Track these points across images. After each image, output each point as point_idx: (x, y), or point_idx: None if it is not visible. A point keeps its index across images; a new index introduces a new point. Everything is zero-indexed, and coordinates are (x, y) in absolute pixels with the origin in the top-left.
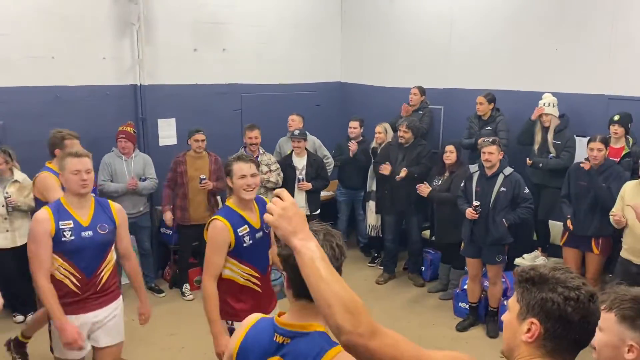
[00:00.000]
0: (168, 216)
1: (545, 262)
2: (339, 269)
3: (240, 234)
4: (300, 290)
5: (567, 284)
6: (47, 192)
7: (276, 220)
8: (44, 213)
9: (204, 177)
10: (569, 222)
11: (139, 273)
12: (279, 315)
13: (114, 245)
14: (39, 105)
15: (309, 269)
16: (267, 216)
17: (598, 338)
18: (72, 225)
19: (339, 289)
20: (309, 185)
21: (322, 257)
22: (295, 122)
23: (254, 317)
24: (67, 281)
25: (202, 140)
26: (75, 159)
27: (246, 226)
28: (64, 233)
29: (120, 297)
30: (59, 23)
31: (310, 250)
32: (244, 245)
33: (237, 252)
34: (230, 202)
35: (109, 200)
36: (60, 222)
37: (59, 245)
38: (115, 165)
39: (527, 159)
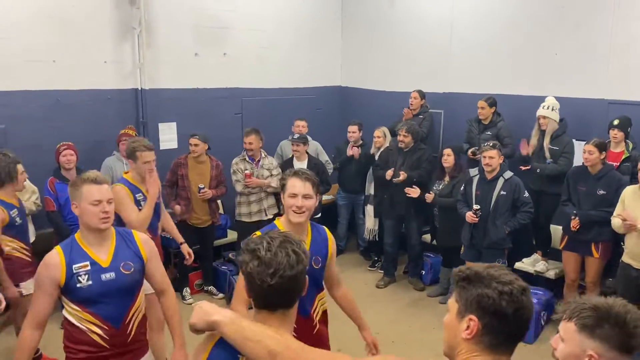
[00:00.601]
0: (177, 209)
1: (546, 265)
2: (296, 277)
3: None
4: (257, 302)
5: (501, 279)
6: (120, 207)
7: (194, 319)
8: (54, 257)
9: (202, 186)
10: (573, 222)
11: (177, 312)
12: None
13: (142, 286)
14: (40, 109)
15: (234, 333)
16: (190, 326)
17: (560, 349)
18: (89, 268)
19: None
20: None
21: (239, 318)
22: (299, 127)
23: (211, 340)
24: (94, 335)
25: (195, 145)
26: (94, 187)
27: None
28: (79, 278)
29: (149, 350)
30: (60, 27)
31: (227, 317)
32: None
33: None
34: (279, 222)
35: (133, 231)
36: (74, 266)
37: (74, 293)
38: (117, 169)
39: (520, 167)
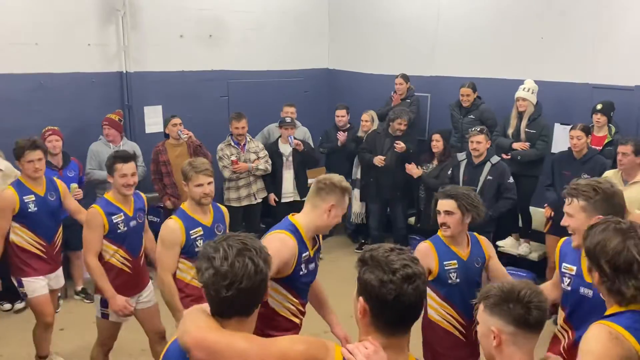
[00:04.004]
0: (169, 205)
1: (529, 248)
2: (253, 289)
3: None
4: (212, 309)
5: (390, 265)
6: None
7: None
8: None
9: (181, 130)
10: (546, 210)
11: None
12: None
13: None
14: (23, 92)
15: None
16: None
17: (478, 330)
18: (123, 217)
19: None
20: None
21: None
22: (288, 113)
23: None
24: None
25: (180, 124)
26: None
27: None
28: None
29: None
30: (42, 9)
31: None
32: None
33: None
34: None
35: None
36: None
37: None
38: (103, 154)
39: (503, 154)
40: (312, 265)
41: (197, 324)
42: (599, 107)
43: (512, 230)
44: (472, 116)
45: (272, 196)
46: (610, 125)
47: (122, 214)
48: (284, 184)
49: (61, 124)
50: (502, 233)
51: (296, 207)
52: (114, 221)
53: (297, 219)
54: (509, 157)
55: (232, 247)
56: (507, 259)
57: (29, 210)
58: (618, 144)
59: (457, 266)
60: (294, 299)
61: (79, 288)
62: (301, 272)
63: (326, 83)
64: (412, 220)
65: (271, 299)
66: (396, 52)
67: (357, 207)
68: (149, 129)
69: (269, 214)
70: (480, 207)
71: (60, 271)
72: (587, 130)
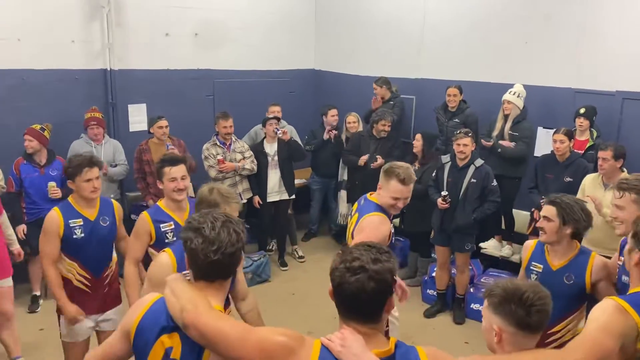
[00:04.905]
0: (152, 204)
1: (511, 250)
2: (235, 254)
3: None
4: (197, 273)
5: (345, 255)
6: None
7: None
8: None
9: (169, 143)
10: (535, 214)
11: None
12: None
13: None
14: (4, 88)
15: (167, 289)
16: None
17: (482, 323)
18: (172, 227)
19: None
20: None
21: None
22: (274, 112)
23: (152, 296)
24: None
25: (166, 127)
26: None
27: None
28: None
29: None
30: (25, 4)
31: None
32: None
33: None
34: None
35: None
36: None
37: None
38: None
39: (482, 140)
40: None
41: (192, 302)
42: (581, 111)
43: (495, 232)
44: (457, 120)
45: (257, 199)
46: (592, 129)
47: (172, 222)
48: (268, 184)
49: (43, 121)
50: (484, 235)
51: (282, 206)
52: (162, 229)
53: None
54: (491, 143)
55: (217, 219)
56: (490, 261)
57: (74, 236)
58: (599, 149)
59: (540, 271)
60: None
61: None
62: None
63: (312, 84)
64: (396, 221)
65: None
66: (382, 54)
67: (344, 208)
68: (132, 127)
69: (254, 214)
70: (583, 221)
71: (114, 312)
72: (570, 135)
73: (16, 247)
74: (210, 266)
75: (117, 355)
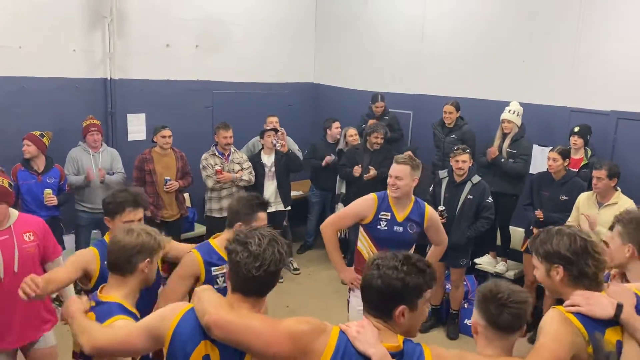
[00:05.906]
0: (148, 214)
1: (506, 266)
2: (275, 274)
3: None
4: (236, 286)
5: (382, 254)
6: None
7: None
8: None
9: (169, 178)
10: (535, 230)
11: None
12: None
13: None
14: (4, 96)
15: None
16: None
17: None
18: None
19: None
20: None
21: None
22: (272, 123)
23: (186, 305)
24: None
25: (169, 137)
26: None
27: None
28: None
29: None
30: (27, 12)
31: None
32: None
33: None
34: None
35: None
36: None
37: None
38: (82, 160)
39: (489, 149)
40: None
41: (214, 305)
42: (576, 129)
43: (490, 249)
44: (454, 136)
45: None
46: (586, 147)
47: (225, 265)
48: (265, 194)
49: (43, 129)
50: (479, 251)
51: (277, 217)
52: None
53: None
54: (495, 156)
55: (264, 237)
56: (484, 277)
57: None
58: (593, 167)
59: None
60: None
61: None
62: None
63: (311, 97)
64: None
65: None
66: (380, 69)
67: None
68: (131, 137)
69: None
70: None
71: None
72: (565, 154)
73: None
74: (250, 281)
75: (134, 347)
